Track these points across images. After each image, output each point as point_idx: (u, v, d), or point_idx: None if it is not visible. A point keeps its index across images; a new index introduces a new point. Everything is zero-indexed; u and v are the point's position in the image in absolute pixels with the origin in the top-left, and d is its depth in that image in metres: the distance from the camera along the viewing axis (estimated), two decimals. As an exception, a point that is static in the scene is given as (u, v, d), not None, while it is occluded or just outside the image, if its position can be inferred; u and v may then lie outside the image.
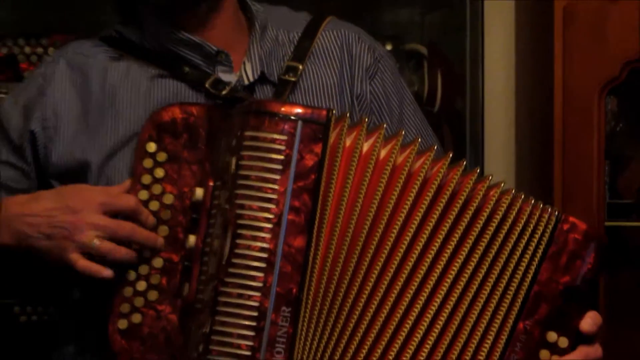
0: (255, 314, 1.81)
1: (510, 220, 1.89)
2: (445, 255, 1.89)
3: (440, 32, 3.14)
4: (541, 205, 1.90)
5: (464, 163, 1.91)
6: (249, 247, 1.82)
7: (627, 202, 2.96)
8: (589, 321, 1.90)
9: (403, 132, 1.91)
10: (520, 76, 3.09)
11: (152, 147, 1.90)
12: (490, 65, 3.05)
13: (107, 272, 1.83)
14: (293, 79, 2.06)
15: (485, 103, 3.03)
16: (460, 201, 1.89)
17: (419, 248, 1.88)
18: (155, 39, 2.07)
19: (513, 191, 1.90)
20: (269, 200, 1.82)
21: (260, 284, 1.81)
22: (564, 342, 1.89)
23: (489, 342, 1.88)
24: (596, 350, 1.91)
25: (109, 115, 2.02)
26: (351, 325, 1.87)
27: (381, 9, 3.10)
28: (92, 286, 1.90)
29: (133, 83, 2.04)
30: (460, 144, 2.98)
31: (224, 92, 1.99)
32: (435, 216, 1.88)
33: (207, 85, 2.00)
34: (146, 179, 1.89)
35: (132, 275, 1.87)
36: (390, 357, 1.87)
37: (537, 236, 1.89)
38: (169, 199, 1.89)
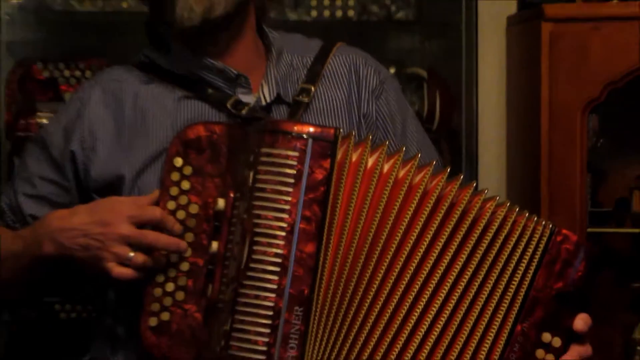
0: (270, 313, 1.81)
1: (505, 231, 1.88)
2: (445, 261, 1.87)
3: (438, 57, 3.12)
4: (535, 218, 1.89)
5: (461, 177, 1.90)
6: (265, 253, 1.82)
7: (607, 211, 2.96)
8: (580, 322, 1.89)
9: (404, 148, 1.90)
10: (511, 96, 3.09)
11: (179, 161, 1.89)
12: (483, 86, 3.04)
13: (139, 274, 1.83)
14: (306, 100, 2.04)
15: (479, 121, 3.01)
16: (458, 212, 1.88)
17: (419, 254, 1.87)
18: (181, 63, 2.07)
19: (508, 204, 1.88)
20: (282, 210, 1.83)
21: (275, 286, 1.81)
22: (557, 342, 1.87)
23: (488, 342, 1.87)
24: (587, 349, 1.90)
25: (140, 134, 2.02)
26: (357, 323, 1.86)
27: (386, 36, 3.10)
28: (125, 287, 1.90)
29: (162, 104, 2.03)
30: (457, 157, 2.97)
31: (243, 112, 1.98)
32: (434, 226, 1.87)
33: (228, 106, 1.99)
34: (174, 190, 1.88)
35: (161, 277, 1.86)
36: (395, 353, 1.86)
37: (532, 246, 1.88)
38: (194, 208, 1.88)
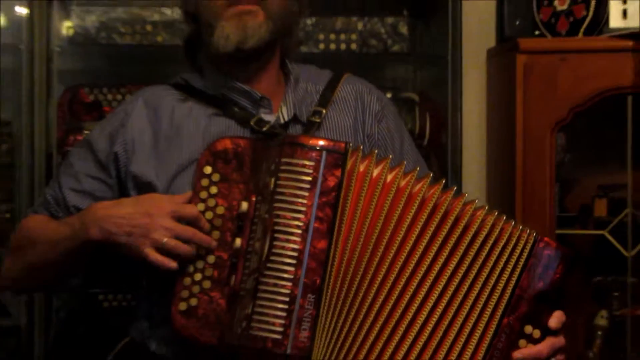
0: (287, 299, 1.81)
1: (494, 236, 1.88)
2: (441, 260, 1.87)
3: (428, 84, 3.12)
4: (520, 227, 1.89)
5: (455, 188, 1.90)
6: (283, 248, 1.82)
7: (572, 215, 2.95)
8: (555, 320, 1.89)
9: (405, 162, 1.91)
10: (490, 118, 3.08)
11: (208, 169, 1.90)
12: (467, 109, 3.03)
13: (172, 264, 1.83)
14: (318, 121, 2.05)
15: (463, 139, 3.00)
16: (451, 218, 1.88)
17: (418, 253, 1.87)
18: (213, 85, 2.07)
19: (496, 212, 1.89)
20: (299, 211, 1.83)
21: (291, 276, 1.81)
22: (537, 333, 1.88)
23: (480, 331, 1.87)
24: (560, 340, 1.90)
25: (174, 144, 2.02)
26: (362, 310, 1.86)
27: (383, 66, 3.10)
28: (158, 277, 1.89)
29: (194, 120, 2.03)
30: (444, 170, 2.96)
31: (264, 129, 1.98)
32: (431, 229, 1.87)
33: (252, 123, 2.00)
34: (203, 194, 1.89)
35: (190, 268, 1.86)
36: (396, 338, 1.86)
37: (518, 251, 1.88)
38: (220, 210, 1.88)
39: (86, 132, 2.87)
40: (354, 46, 2.96)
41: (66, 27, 2.96)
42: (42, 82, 2.91)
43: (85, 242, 1.91)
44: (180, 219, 1.86)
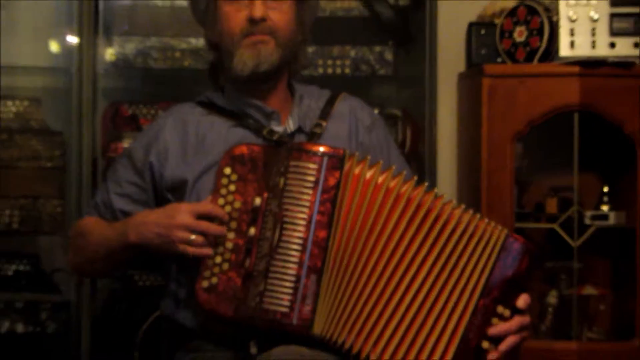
0: (293, 279, 1.82)
1: (470, 231, 1.87)
2: (424, 248, 1.86)
3: (409, 102, 3.09)
4: (493, 224, 1.88)
5: (436, 189, 1.90)
6: (290, 236, 1.83)
7: (528, 212, 2.93)
8: (522, 301, 1.89)
9: (394, 167, 1.90)
10: (461, 130, 3.06)
11: (227, 170, 1.90)
12: (441, 123, 3.02)
13: (207, 251, 1.86)
14: (319, 132, 2.04)
15: (437, 148, 3.00)
16: (433, 214, 1.87)
17: (405, 242, 1.86)
18: (232, 102, 2.07)
19: (471, 211, 1.88)
20: (304, 206, 1.84)
21: (297, 260, 1.82)
22: (507, 313, 1.87)
23: (458, 311, 1.86)
24: (526, 318, 1.90)
25: (200, 151, 2.02)
26: (357, 289, 1.85)
27: (372, 87, 3.09)
28: (185, 263, 1.91)
29: (217, 131, 2.03)
30: (421, 174, 2.94)
31: (274, 137, 1.98)
32: (416, 223, 1.87)
33: (264, 133, 2.00)
34: (223, 191, 1.89)
35: (212, 253, 1.87)
36: (386, 314, 1.85)
37: (491, 244, 1.87)
38: (237, 204, 1.88)
39: (125, 140, 2.88)
40: (347, 70, 2.96)
41: (109, 53, 2.95)
42: (89, 99, 2.91)
43: (126, 245, 1.94)
44: (199, 216, 1.87)
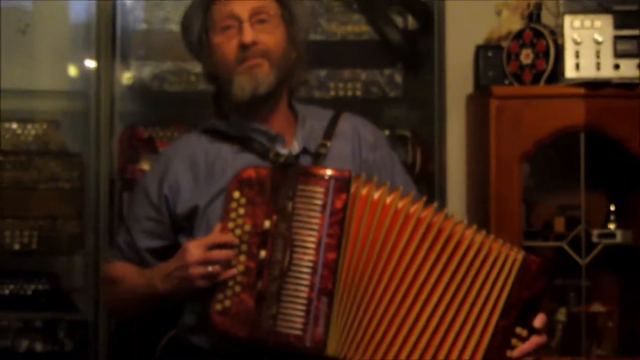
0: (305, 302, 1.82)
1: (484, 252, 1.86)
2: (437, 270, 1.85)
3: (419, 123, 3.08)
4: (508, 245, 1.87)
5: (446, 210, 1.89)
6: (301, 259, 1.83)
7: (536, 230, 2.90)
8: (538, 322, 1.88)
9: (402, 187, 1.90)
10: (469, 151, 3.05)
11: (236, 194, 1.89)
12: (450, 143, 3.01)
13: (223, 276, 1.86)
14: (324, 152, 2.03)
15: (447, 168, 2.99)
16: (444, 235, 1.86)
17: (416, 262, 1.85)
18: (236, 127, 2.07)
19: (484, 232, 1.86)
20: (313, 229, 1.83)
21: (308, 282, 1.82)
22: (525, 333, 1.86)
23: (477, 332, 1.85)
24: (543, 338, 1.88)
25: (210, 178, 2.01)
26: (369, 310, 1.85)
27: (382, 109, 3.07)
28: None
29: (223, 158, 2.03)
30: (431, 194, 2.93)
31: (280, 160, 1.97)
32: (427, 243, 1.85)
33: (270, 156, 1.99)
34: (233, 215, 1.88)
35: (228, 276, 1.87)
36: (401, 335, 1.84)
37: (509, 265, 1.85)
38: (247, 227, 1.87)
39: (142, 162, 2.88)
40: (358, 92, 2.95)
41: (126, 77, 2.95)
42: (107, 121, 2.92)
43: (157, 295, 1.96)
44: (210, 247, 1.87)
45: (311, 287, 1.82)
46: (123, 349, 2.82)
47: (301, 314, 1.82)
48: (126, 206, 2.82)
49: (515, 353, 1.85)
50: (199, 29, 2.07)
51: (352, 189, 1.86)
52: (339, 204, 1.84)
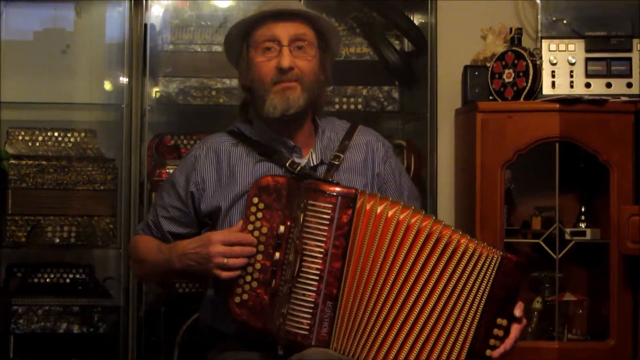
0: (312, 305, 1.80)
1: (469, 254, 1.83)
2: (435, 275, 1.83)
3: (413, 133, 3.06)
4: (489, 247, 1.84)
5: (444, 221, 1.85)
6: (309, 267, 1.81)
7: (516, 228, 2.91)
8: (518, 310, 1.86)
9: (404, 199, 1.89)
10: (457, 159, 3.03)
11: (255, 200, 1.86)
12: (440, 152, 2.98)
13: (235, 273, 1.84)
14: (337, 163, 2.00)
15: (438, 174, 2.97)
16: (442, 244, 1.83)
17: (416, 269, 1.82)
18: (259, 134, 2.03)
19: (468, 236, 1.84)
20: (321, 240, 1.81)
21: (315, 288, 1.80)
22: (505, 322, 1.84)
23: (466, 326, 1.84)
24: (523, 323, 1.87)
25: (232, 182, 1.99)
26: (369, 313, 1.83)
27: (381, 121, 3.06)
28: (220, 280, 1.89)
29: (245, 163, 2.01)
30: (423, 196, 2.89)
31: (297, 169, 1.94)
32: (425, 252, 1.82)
33: (287, 165, 1.95)
34: (252, 218, 1.85)
35: (243, 272, 1.85)
36: (397, 333, 1.83)
37: (490, 265, 1.83)
38: (264, 230, 1.84)
39: (168, 166, 2.86)
40: (359, 106, 2.94)
41: (155, 91, 2.94)
42: (137, 130, 2.92)
43: (173, 270, 1.94)
44: (230, 243, 1.85)
45: (318, 292, 1.80)
46: (150, 331, 2.83)
47: (308, 315, 1.79)
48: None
49: (495, 353, 1.84)
50: (241, 44, 2.02)
51: (358, 204, 1.81)
52: (345, 219, 1.81)
